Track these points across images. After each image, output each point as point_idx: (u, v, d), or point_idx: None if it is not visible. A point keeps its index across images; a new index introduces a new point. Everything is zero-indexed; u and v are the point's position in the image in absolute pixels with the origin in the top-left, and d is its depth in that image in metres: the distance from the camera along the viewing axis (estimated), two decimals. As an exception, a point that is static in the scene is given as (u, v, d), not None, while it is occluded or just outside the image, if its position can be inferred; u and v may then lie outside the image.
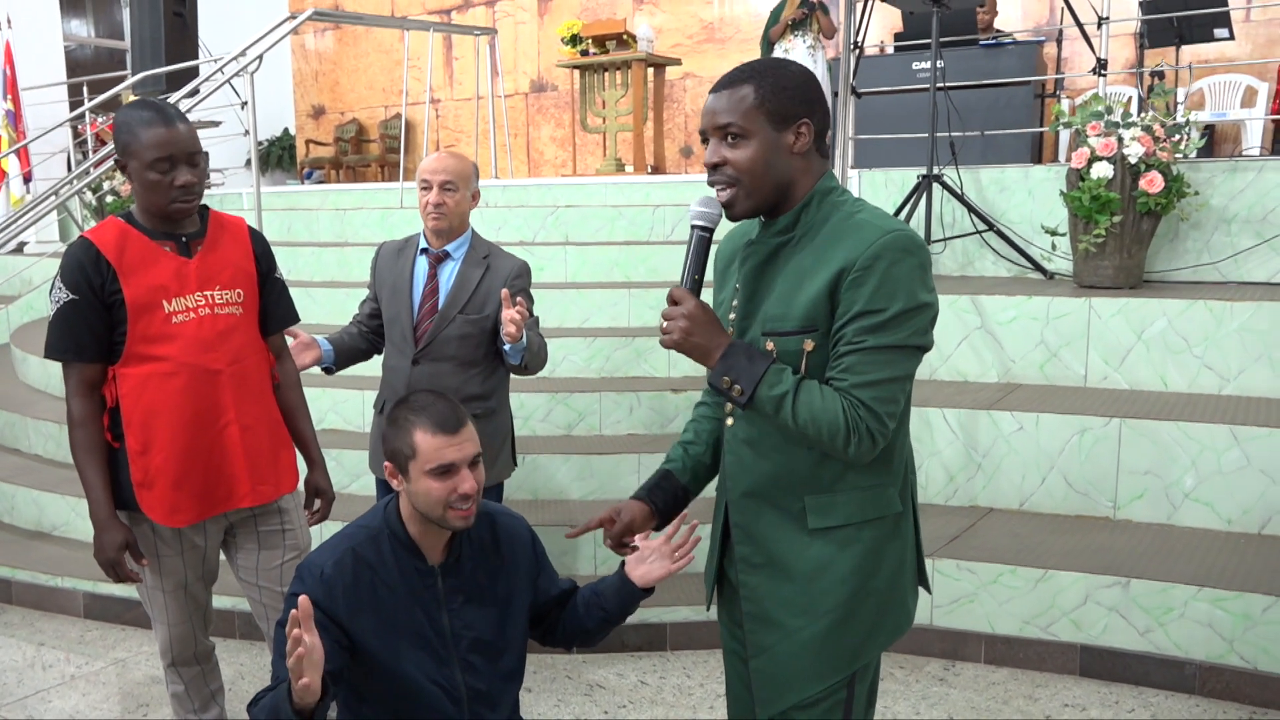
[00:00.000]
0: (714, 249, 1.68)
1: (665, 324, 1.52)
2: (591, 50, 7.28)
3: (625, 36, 7.21)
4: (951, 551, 3.18)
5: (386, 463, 1.75)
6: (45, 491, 4.06)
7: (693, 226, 1.56)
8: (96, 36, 11.19)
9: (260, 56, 5.20)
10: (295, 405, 2.40)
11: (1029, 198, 4.48)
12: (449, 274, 2.74)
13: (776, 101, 1.48)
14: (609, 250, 5.03)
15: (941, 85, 4.54)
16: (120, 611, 3.55)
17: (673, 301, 1.52)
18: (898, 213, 4.48)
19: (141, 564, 2.21)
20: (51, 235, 7.73)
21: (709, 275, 1.60)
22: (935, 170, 4.45)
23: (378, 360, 2.92)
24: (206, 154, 5.62)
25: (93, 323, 2.10)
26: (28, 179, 8.15)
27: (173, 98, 5.98)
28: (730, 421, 1.65)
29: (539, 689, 2.99)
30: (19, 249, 7.41)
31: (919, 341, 1.48)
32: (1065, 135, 5.75)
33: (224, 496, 2.23)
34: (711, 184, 1.55)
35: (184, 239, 2.18)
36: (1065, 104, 5.92)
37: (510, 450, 2.91)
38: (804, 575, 1.56)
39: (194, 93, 5.60)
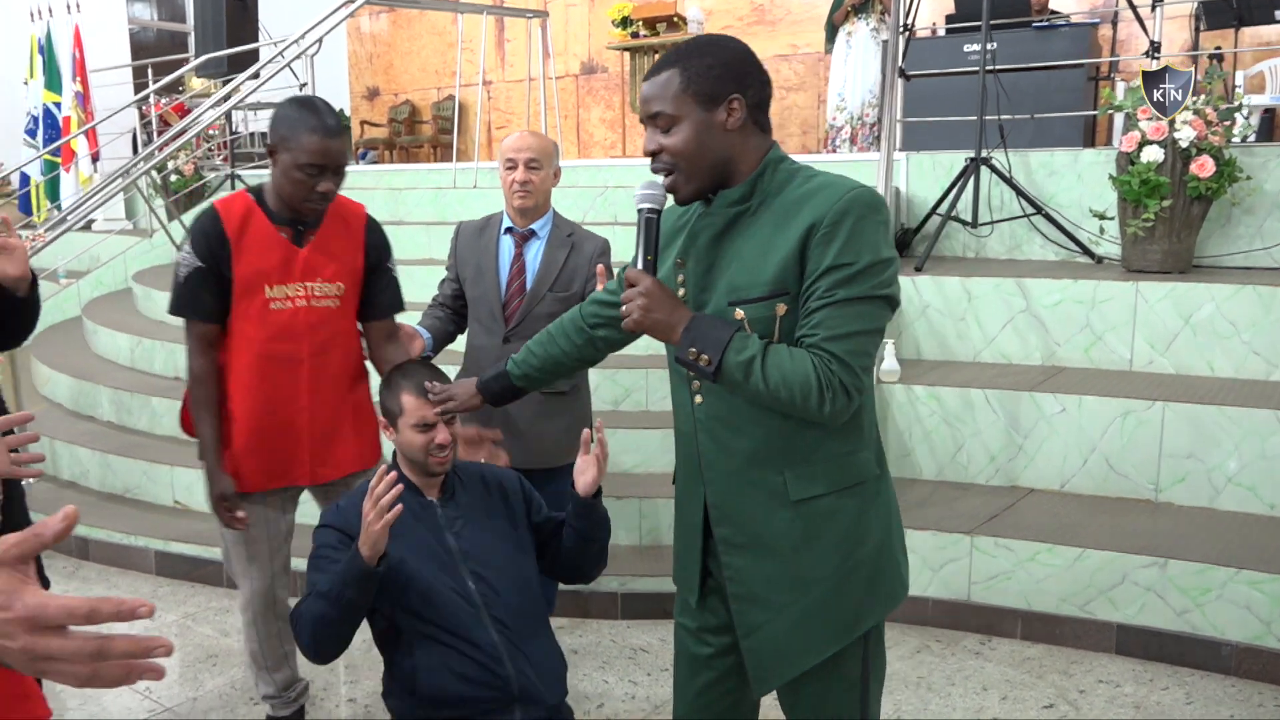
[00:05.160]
0: None
1: (624, 307, 1.52)
2: (642, 32, 7.34)
3: (675, 19, 7.25)
4: (990, 529, 3.22)
5: (381, 417, 2.04)
6: (118, 456, 4.28)
7: (639, 210, 1.56)
8: (159, 20, 11.49)
9: (320, 40, 5.35)
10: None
11: (1078, 181, 4.47)
12: (535, 252, 2.76)
13: (702, 82, 1.49)
14: (657, 231, 5.10)
15: (991, 68, 4.53)
16: (189, 570, 3.74)
17: (629, 284, 1.52)
18: (944, 196, 4.50)
19: (240, 517, 2.33)
20: (118, 213, 8.00)
21: None
22: (984, 153, 4.45)
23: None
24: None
25: (213, 287, 2.26)
26: (95, 158, 8.43)
27: (235, 80, 6.16)
28: (699, 400, 1.59)
29: (584, 651, 3.10)
30: (88, 226, 7.68)
31: (888, 293, 1.48)
32: (1120, 119, 5.69)
33: (281, 474, 2.38)
34: (654, 171, 1.55)
35: (300, 228, 2.30)
36: (1121, 87, 5.85)
37: None
38: (788, 550, 1.55)
39: (255, 75, 5.77)
